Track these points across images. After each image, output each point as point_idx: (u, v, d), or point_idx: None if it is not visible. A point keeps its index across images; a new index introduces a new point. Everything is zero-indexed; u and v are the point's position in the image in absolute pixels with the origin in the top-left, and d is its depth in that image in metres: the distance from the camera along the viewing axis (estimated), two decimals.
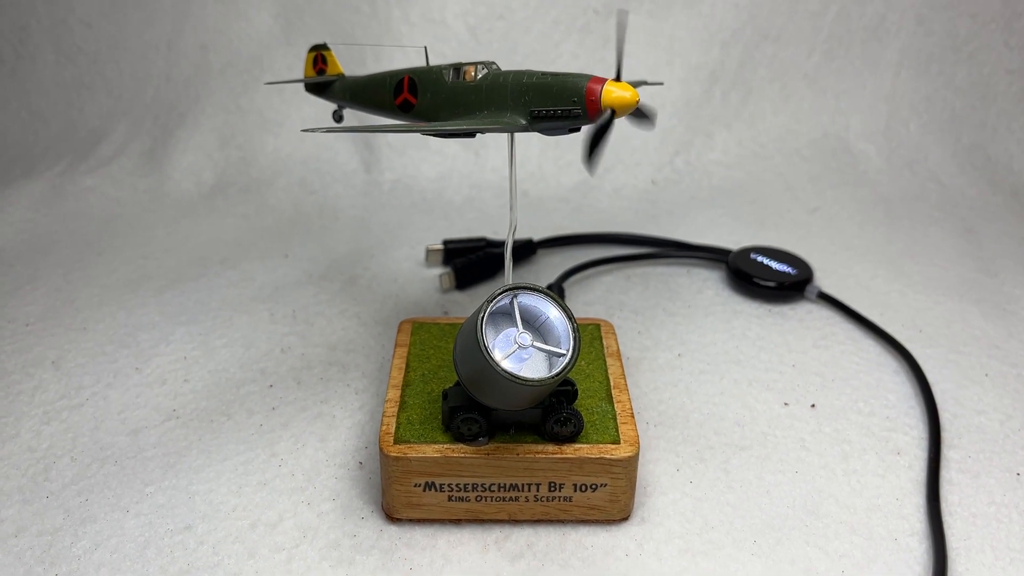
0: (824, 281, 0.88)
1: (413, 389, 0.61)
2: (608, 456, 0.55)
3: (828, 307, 0.85)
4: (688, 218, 1.03)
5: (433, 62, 0.64)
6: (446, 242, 0.92)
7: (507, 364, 0.50)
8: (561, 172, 1.09)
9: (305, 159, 1.10)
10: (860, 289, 0.88)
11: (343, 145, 1.11)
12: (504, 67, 0.59)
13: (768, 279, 0.85)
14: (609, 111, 0.51)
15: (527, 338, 0.51)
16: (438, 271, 0.91)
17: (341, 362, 0.75)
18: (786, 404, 0.70)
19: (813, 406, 0.70)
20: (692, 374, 0.74)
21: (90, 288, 0.88)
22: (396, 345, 0.67)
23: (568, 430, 0.55)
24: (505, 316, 0.53)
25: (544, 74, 0.54)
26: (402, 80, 0.61)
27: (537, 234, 0.97)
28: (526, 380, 0.49)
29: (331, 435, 0.66)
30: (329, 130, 0.49)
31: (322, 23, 1.11)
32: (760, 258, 0.89)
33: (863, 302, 0.85)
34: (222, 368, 0.74)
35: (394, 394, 0.60)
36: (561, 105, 0.53)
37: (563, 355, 0.51)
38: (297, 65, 1.12)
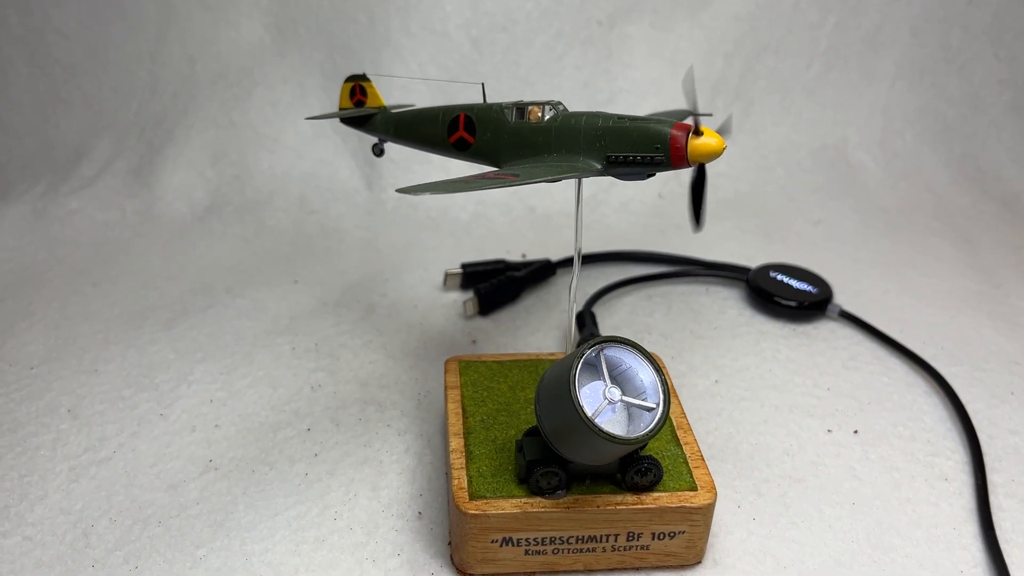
0: (838, 295, 0.89)
1: (476, 437, 0.59)
2: (688, 504, 0.54)
3: (850, 325, 0.86)
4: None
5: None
6: (464, 266, 0.90)
7: (600, 422, 0.49)
8: (567, 186, 1.08)
9: (303, 176, 1.06)
10: (874, 304, 0.90)
11: (343, 161, 1.08)
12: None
13: (790, 299, 0.86)
14: (698, 165, 0.50)
15: (616, 393, 0.51)
16: (456, 295, 0.90)
17: (376, 400, 0.73)
18: (829, 431, 0.71)
19: (856, 432, 0.71)
20: (732, 401, 0.74)
21: (91, 323, 0.83)
22: (447, 387, 0.65)
23: (648, 480, 0.54)
24: (589, 367, 0.52)
25: (621, 118, 0.53)
26: (457, 117, 0.59)
27: (548, 251, 0.96)
28: (626, 440, 0.48)
29: (382, 482, 0.63)
30: (418, 190, 0.45)
31: (316, 34, 1.06)
32: (779, 276, 0.90)
33: (881, 318, 0.86)
34: (252, 411, 0.71)
35: (458, 443, 0.59)
36: (641, 151, 0.51)
37: (652, 409, 0.51)
38: (291, 76, 1.08)
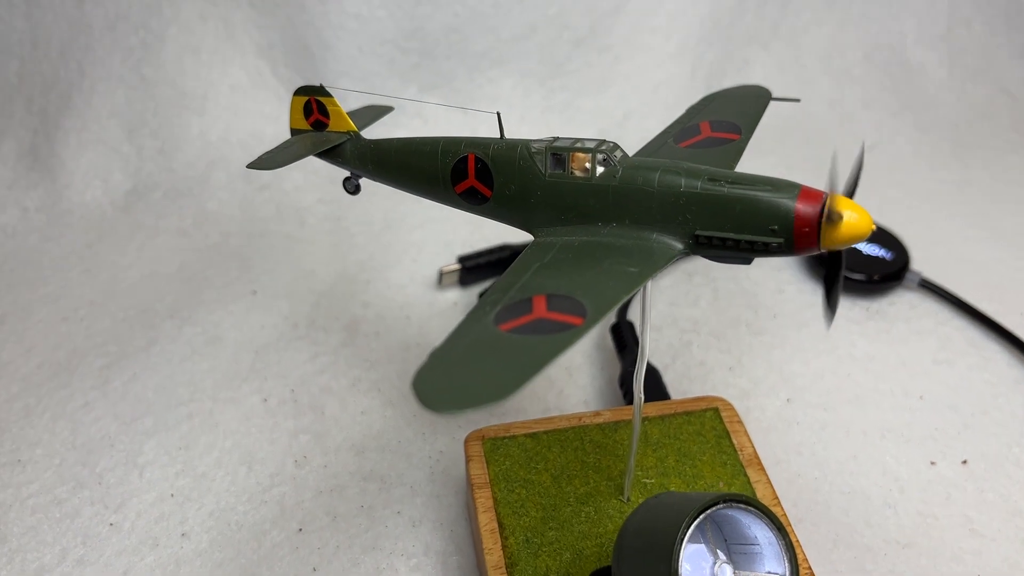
0: (910, 245, 0.74)
1: (523, 570, 0.46)
2: None
3: (932, 296, 0.72)
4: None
5: None
6: (462, 259, 0.73)
7: None
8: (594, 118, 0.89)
9: (244, 141, 0.86)
10: (956, 261, 0.75)
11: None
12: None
13: (860, 271, 0.71)
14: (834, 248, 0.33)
15: (728, 571, 0.37)
16: (455, 295, 0.74)
17: (378, 474, 0.58)
18: (933, 463, 0.58)
19: (964, 462, 0.58)
20: (812, 430, 0.61)
21: (5, 384, 0.66)
22: (473, 485, 0.51)
23: None
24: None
25: (714, 179, 0.35)
26: (465, 159, 0.40)
27: None
28: None
29: None
30: (476, 401, 0.27)
31: None
32: None
33: (966, 281, 0.72)
34: (226, 505, 0.57)
35: None
36: (749, 233, 0.34)
37: None
38: (212, 11, 0.85)
